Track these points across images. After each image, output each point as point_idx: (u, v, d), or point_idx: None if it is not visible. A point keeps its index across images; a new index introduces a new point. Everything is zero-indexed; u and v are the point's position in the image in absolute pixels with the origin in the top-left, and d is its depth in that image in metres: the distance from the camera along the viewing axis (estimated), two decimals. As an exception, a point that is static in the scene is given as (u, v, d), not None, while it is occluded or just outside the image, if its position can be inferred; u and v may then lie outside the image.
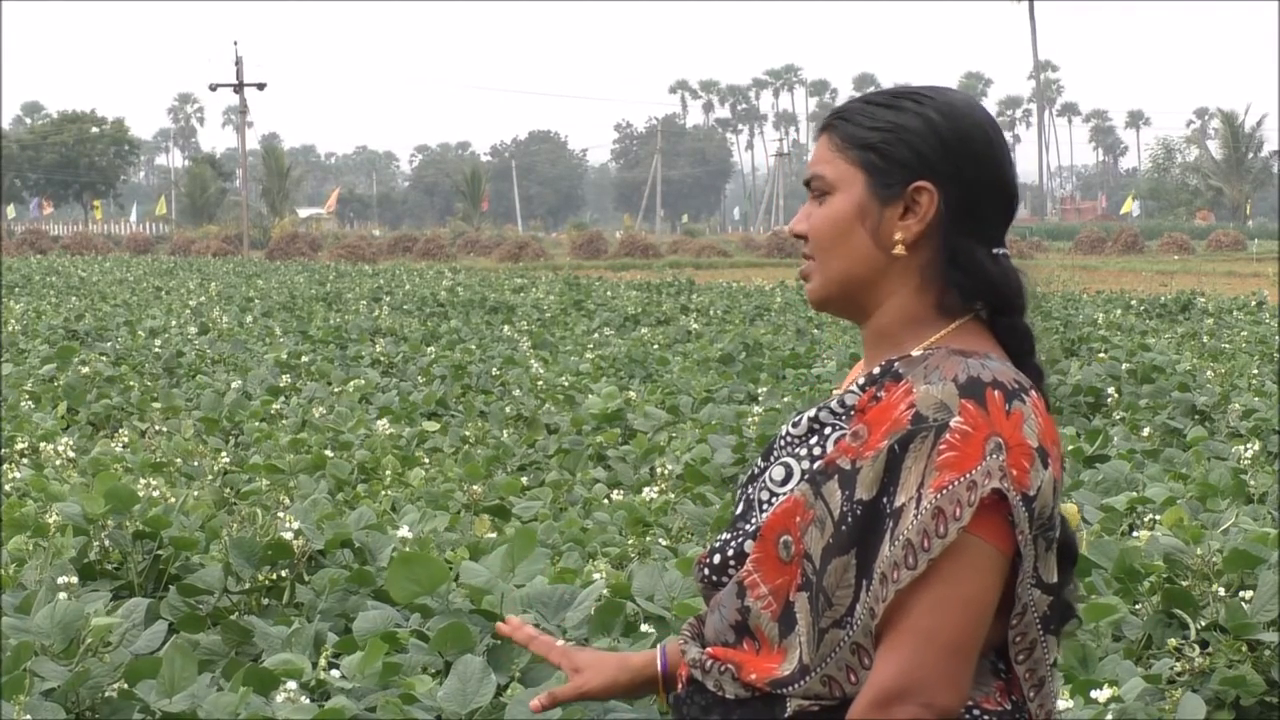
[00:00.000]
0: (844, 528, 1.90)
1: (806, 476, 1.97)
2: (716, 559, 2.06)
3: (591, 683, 2.29)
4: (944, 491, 1.85)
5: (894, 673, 1.86)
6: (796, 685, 1.95)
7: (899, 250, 2.00)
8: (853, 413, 1.97)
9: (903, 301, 2.02)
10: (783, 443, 2.06)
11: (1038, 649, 1.95)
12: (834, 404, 2.02)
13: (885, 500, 1.88)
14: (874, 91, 2.08)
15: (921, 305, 2.01)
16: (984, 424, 1.86)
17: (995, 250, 2.01)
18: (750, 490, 2.06)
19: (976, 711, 1.93)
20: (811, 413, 2.05)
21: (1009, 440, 1.87)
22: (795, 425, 2.05)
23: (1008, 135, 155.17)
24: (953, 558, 1.85)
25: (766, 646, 1.98)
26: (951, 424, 1.86)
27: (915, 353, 1.97)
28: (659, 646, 2.32)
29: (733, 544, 2.05)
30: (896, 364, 1.97)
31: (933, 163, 1.99)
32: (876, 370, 1.99)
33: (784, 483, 2.00)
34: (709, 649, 2.05)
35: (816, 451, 1.99)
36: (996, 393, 1.88)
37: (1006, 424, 1.87)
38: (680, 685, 2.11)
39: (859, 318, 2.07)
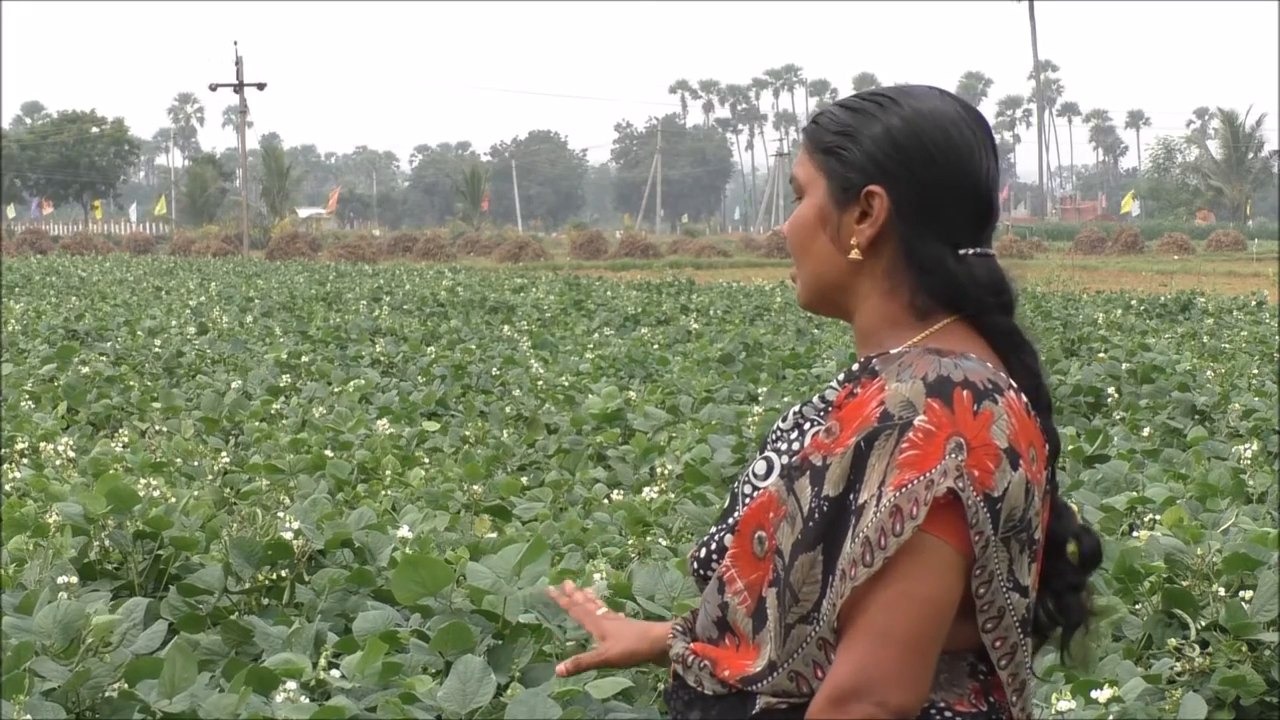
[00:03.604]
0: (811, 524, 1.90)
1: (782, 472, 1.97)
2: (703, 553, 2.08)
3: (612, 651, 2.35)
4: (903, 490, 1.84)
5: (849, 671, 1.85)
6: (765, 682, 1.95)
7: (855, 254, 2.01)
8: (831, 408, 1.98)
9: (876, 304, 2.02)
10: (773, 437, 2.07)
11: (1019, 652, 1.95)
12: (816, 399, 2.03)
13: (851, 497, 1.88)
14: (855, 92, 2.08)
15: (895, 307, 2.01)
16: (947, 423, 1.86)
17: (966, 250, 1.99)
18: (737, 484, 2.07)
19: (949, 714, 1.92)
20: (797, 407, 2.05)
21: (972, 440, 1.86)
22: (784, 420, 2.06)
23: (1008, 135, 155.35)
24: (909, 556, 1.84)
25: (745, 642, 1.99)
26: (915, 422, 1.86)
27: (894, 350, 1.98)
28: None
29: (716, 538, 2.06)
30: (874, 361, 1.97)
31: (885, 166, 1.98)
32: (855, 367, 2.00)
33: (765, 477, 2.01)
34: (692, 644, 2.06)
35: (795, 447, 1.99)
36: (965, 392, 1.87)
37: (972, 424, 1.86)
38: (670, 679, 2.13)
39: (845, 319, 2.07)
